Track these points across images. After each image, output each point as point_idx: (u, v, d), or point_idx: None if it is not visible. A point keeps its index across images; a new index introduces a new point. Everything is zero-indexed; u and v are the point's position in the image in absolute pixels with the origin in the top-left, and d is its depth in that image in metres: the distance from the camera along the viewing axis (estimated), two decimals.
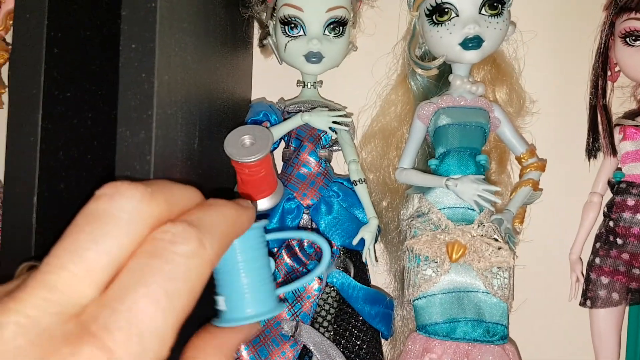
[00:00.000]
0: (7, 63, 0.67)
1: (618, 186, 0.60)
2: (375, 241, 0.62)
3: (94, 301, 0.23)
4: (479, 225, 0.55)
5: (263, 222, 0.33)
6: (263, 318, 0.33)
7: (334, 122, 0.62)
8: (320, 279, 0.60)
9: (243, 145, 0.56)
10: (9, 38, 0.68)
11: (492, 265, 0.54)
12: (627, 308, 0.61)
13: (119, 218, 0.24)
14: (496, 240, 0.54)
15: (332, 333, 0.60)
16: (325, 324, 0.60)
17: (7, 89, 0.67)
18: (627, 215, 0.58)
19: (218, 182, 0.60)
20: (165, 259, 0.24)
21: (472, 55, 0.57)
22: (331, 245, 0.61)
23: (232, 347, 0.31)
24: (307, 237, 0.38)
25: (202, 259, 0.25)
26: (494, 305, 0.55)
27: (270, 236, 0.35)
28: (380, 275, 0.66)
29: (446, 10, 0.56)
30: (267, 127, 0.61)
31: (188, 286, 0.24)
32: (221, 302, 0.32)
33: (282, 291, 0.35)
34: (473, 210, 0.56)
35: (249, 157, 0.55)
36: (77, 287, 0.23)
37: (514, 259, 0.55)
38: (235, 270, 0.32)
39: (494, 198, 0.55)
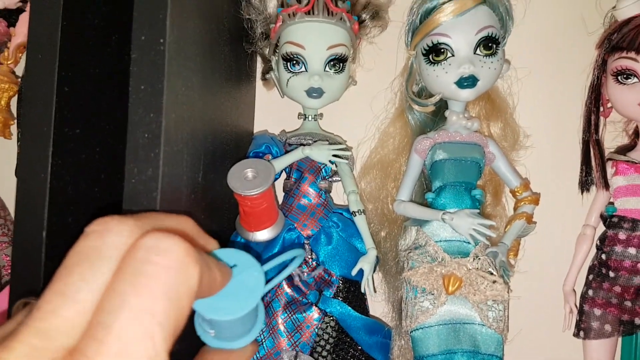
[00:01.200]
0: (16, 95, 0.69)
1: (610, 220, 0.61)
2: (374, 271, 0.64)
3: (83, 333, 0.23)
4: (474, 259, 0.56)
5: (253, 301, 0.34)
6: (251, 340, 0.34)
7: (334, 156, 0.63)
8: (319, 308, 0.61)
9: (245, 179, 0.58)
10: (18, 71, 0.70)
11: (487, 299, 0.55)
12: (620, 339, 0.63)
13: (109, 256, 0.24)
14: (491, 273, 0.56)
15: None
16: (325, 353, 0.62)
17: (15, 121, 0.69)
18: (618, 248, 0.60)
19: (221, 213, 0.62)
20: (151, 275, 0.23)
21: (467, 94, 0.59)
22: (330, 275, 0.63)
23: None
24: (283, 259, 0.39)
25: (188, 273, 0.24)
26: (489, 336, 0.56)
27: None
28: (378, 305, 0.67)
29: (442, 50, 0.58)
30: (268, 160, 0.62)
31: (179, 303, 0.24)
32: (208, 330, 0.33)
33: (267, 288, 0.35)
34: (469, 243, 0.57)
35: (251, 190, 0.57)
36: (69, 331, 0.23)
37: (508, 292, 0.56)
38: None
39: (489, 232, 0.57)
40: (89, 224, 0.54)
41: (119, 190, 0.48)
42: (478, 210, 0.58)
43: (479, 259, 0.56)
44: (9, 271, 0.57)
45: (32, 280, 0.48)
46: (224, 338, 0.33)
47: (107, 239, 0.25)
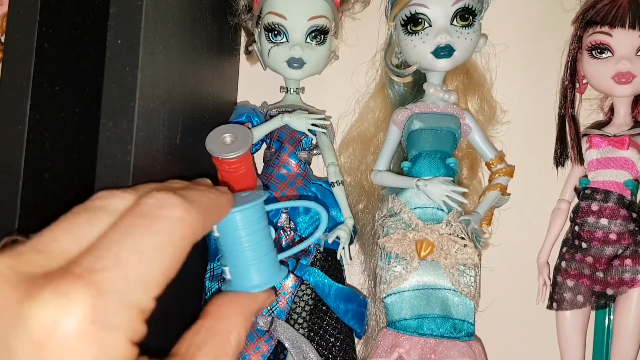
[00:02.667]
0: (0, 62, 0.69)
1: (583, 192, 0.62)
2: (351, 242, 0.64)
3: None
4: (447, 225, 0.57)
5: (263, 197, 0.36)
6: (268, 286, 0.35)
7: (313, 125, 0.64)
8: (296, 275, 0.62)
9: (224, 143, 0.58)
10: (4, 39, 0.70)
11: (457, 262, 0.56)
12: (593, 313, 0.63)
13: (112, 210, 0.26)
14: (462, 238, 0.56)
15: (306, 330, 0.62)
16: (300, 320, 0.62)
17: None
18: (591, 220, 0.60)
19: (199, 177, 0.62)
20: (152, 219, 0.25)
21: (444, 64, 0.60)
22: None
23: (251, 310, 0.33)
24: (305, 204, 0.41)
25: (186, 224, 0.26)
26: (461, 302, 0.57)
27: (270, 207, 0.37)
28: (355, 277, 0.68)
29: (420, 20, 0.60)
30: (248, 128, 0.63)
31: (172, 246, 0.25)
32: (227, 272, 0.35)
33: (283, 256, 0.37)
34: (442, 210, 0.58)
35: (229, 154, 0.57)
36: (67, 257, 0.24)
37: (479, 257, 0.57)
38: (239, 243, 0.34)
39: (462, 199, 0.57)
40: (65, 181, 0.55)
41: (96, 152, 0.49)
42: (452, 179, 0.59)
43: (452, 225, 0.57)
44: None
45: (7, 229, 0.48)
46: (238, 281, 0.34)
47: (111, 201, 0.27)
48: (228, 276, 0.35)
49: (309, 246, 0.64)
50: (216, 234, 0.34)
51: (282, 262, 0.38)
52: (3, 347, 0.21)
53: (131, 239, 0.24)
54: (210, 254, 0.63)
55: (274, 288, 0.63)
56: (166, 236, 0.25)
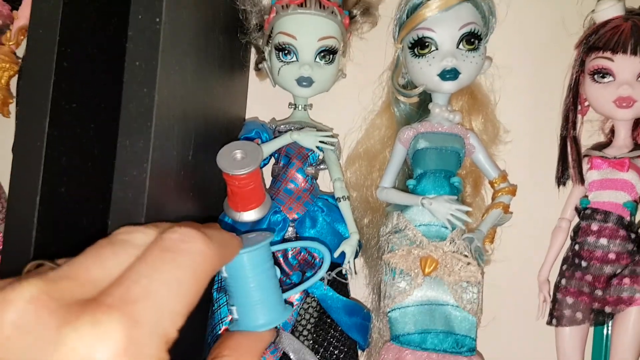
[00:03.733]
0: (17, 75, 0.71)
1: (584, 212, 0.64)
2: (356, 256, 0.66)
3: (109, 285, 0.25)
4: (451, 242, 0.59)
5: (269, 238, 0.37)
6: (273, 325, 0.36)
7: (321, 142, 0.66)
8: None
9: (234, 159, 0.60)
10: (19, 52, 0.72)
11: (461, 280, 0.58)
12: (591, 329, 0.65)
13: (137, 244, 0.27)
14: (466, 256, 0.58)
15: (311, 342, 0.63)
16: (305, 332, 0.63)
17: (15, 100, 0.71)
18: (591, 239, 0.62)
19: (210, 192, 0.64)
20: (176, 252, 0.26)
21: (449, 86, 0.62)
22: (313, 257, 0.65)
23: (260, 350, 0.34)
24: (309, 245, 0.43)
25: (207, 258, 0.27)
26: (463, 318, 0.58)
27: (275, 247, 0.39)
28: (360, 290, 0.69)
29: (427, 44, 0.61)
30: (258, 144, 0.65)
31: (195, 278, 0.26)
32: (234, 312, 0.36)
33: (287, 295, 0.39)
34: (446, 228, 0.60)
35: (239, 170, 0.59)
36: (96, 286, 0.25)
37: (482, 274, 0.59)
38: (246, 284, 0.35)
39: (466, 217, 0.59)
40: (80, 195, 0.56)
41: (111, 167, 0.50)
42: (457, 197, 0.61)
43: (455, 242, 0.59)
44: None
45: (24, 243, 0.50)
46: (244, 320, 0.36)
47: (135, 235, 0.28)
48: (235, 315, 0.36)
49: (315, 259, 0.65)
50: (224, 274, 0.36)
51: (286, 301, 0.39)
52: None
53: (158, 272, 0.25)
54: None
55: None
56: (190, 269, 0.26)
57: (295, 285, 0.42)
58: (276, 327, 0.38)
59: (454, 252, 0.58)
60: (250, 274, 0.35)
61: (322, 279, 0.64)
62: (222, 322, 0.62)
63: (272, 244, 0.38)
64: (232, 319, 0.37)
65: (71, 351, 0.22)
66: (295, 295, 0.63)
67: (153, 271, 0.25)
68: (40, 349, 0.22)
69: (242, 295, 0.36)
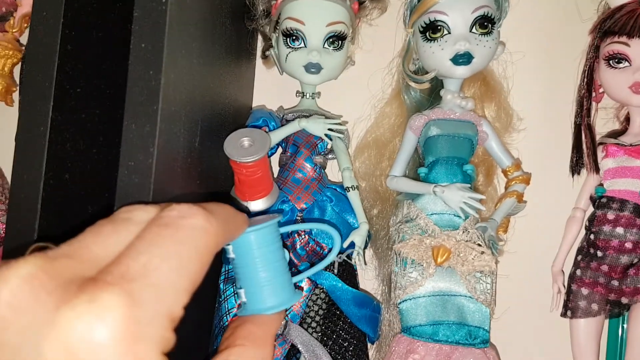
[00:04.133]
0: (20, 63, 0.70)
1: (599, 201, 0.62)
2: (366, 247, 0.65)
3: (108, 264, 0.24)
4: (463, 231, 0.57)
5: (277, 218, 0.36)
6: (282, 308, 0.34)
7: (330, 130, 0.64)
8: (310, 279, 0.62)
9: (242, 147, 0.59)
10: (23, 40, 0.71)
11: (474, 269, 0.56)
12: (607, 321, 0.63)
13: (137, 221, 0.27)
14: (479, 245, 0.56)
15: (319, 334, 0.62)
16: (314, 324, 0.62)
17: (18, 88, 0.70)
18: (607, 228, 0.60)
19: (217, 180, 0.62)
20: (175, 228, 0.25)
21: (462, 71, 0.60)
22: (322, 248, 0.64)
23: (272, 335, 0.32)
24: (319, 227, 0.41)
25: (209, 233, 0.26)
26: (476, 309, 0.57)
27: (284, 229, 0.37)
28: (369, 282, 0.68)
29: (439, 27, 0.60)
30: (265, 131, 0.63)
31: (197, 254, 0.25)
32: (242, 295, 0.35)
33: (297, 279, 0.38)
34: (459, 217, 0.58)
35: (246, 157, 0.58)
36: (97, 263, 0.24)
37: (496, 264, 0.57)
38: (253, 264, 0.34)
39: (479, 205, 0.57)
40: (85, 182, 0.55)
41: (116, 153, 0.49)
42: (469, 185, 0.59)
43: (468, 231, 0.57)
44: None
45: (27, 228, 0.49)
46: (253, 303, 0.34)
47: (135, 213, 0.27)
48: (244, 299, 0.35)
49: (323, 250, 0.64)
50: (231, 255, 0.35)
51: (296, 286, 0.38)
52: (34, 352, 0.21)
53: (158, 249, 0.24)
54: (225, 256, 0.63)
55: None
56: (190, 244, 0.25)
57: (305, 270, 0.40)
58: (285, 311, 0.36)
59: (467, 241, 0.57)
60: (258, 254, 0.34)
61: (331, 264, 0.63)
62: (229, 314, 0.61)
63: (281, 225, 0.37)
64: (240, 303, 0.35)
65: (69, 331, 0.21)
66: (304, 287, 0.62)
67: (152, 248, 0.24)
68: (36, 329, 0.21)
69: (249, 276, 0.34)
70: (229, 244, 0.34)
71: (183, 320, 0.54)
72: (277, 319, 0.34)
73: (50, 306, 0.21)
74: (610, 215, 0.61)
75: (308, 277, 0.62)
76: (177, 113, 0.51)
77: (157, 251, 0.24)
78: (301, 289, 0.62)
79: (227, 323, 0.61)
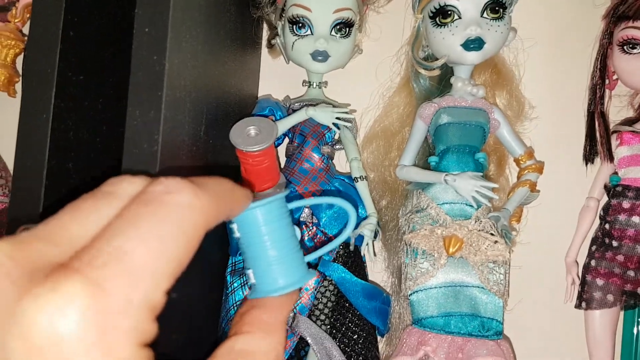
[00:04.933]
0: (22, 54, 0.69)
1: (614, 190, 0.61)
2: (375, 238, 0.63)
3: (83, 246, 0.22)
4: (476, 221, 0.56)
5: (284, 192, 0.33)
6: (294, 287, 0.32)
7: (337, 119, 0.63)
8: (319, 271, 0.61)
9: (248, 136, 0.57)
10: (25, 30, 0.70)
11: (487, 259, 0.55)
12: (622, 313, 0.62)
13: (120, 195, 0.24)
14: (492, 235, 0.55)
15: (328, 326, 0.61)
16: (323, 317, 0.61)
17: (20, 78, 0.69)
18: (622, 217, 0.59)
19: (222, 171, 0.61)
20: (158, 205, 0.23)
21: (474, 56, 0.59)
22: (330, 239, 0.62)
23: (281, 319, 0.30)
24: (332, 201, 0.38)
25: (196, 210, 0.24)
26: (489, 300, 0.56)
27: (293, 205, 0.34)
28: (378, 274, 0.67)
29: (449, 12, 0.58)
30: (272, 120, 0.62)
31: (181, 234, 0.23)
32: (251, 276, 0.32)
33: (309, 258, 0.35)
34: (471, 206, 0.57)
35: (253, 146, 0.57)
36: (73, 244, 0.22)
37: (509, 253, 0.56)
38: (261, 242, 0.32)
39: (492, 194, 0.56)
40: (88, 171, 0.54)
41: (119, 143, 0.48)
42: (481, 174, 0.58)
43: (481, 221, 0.56)
44: None
45: (30, 218, 0.48)
46: (263, 284, 0.32)
47: (120, 186, 0.25)
48: (253, 280, 0.32)
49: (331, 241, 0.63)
50: (237, 234, 0.32)
51: (310, 265, 0.36)
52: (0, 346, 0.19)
53: (136, 229, 0.22)
54: (232, 248, 0.62)
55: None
56: (174, 223, 0.23)
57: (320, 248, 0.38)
58: (299, 292, 0.34)
59: (479, 230, 0.55)
60: (265, 230, 0.31)
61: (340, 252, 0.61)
62: (236, 306, 0.60)
63: (290, 200, 0.35)
64: (250, 286, 0.33)
65: (32, 324, 0.19)
66: (312, 279, 0.61)
67: (130, 228, 0.22)
68: (0, 321, 0.19)
69: (257, 255, 0.32)
70: (232, 222, 0.32)
71: (190, 314, 0.53)
72: (287, 301, 0.31)
73: (13, 296, 0.19)
74: (626, 204, 0.59)
75: (317, 270, 0.61)
76: (181, 100, 0.50)
77: (134, 232, 0.22)
78: (310, 280, 0.60)
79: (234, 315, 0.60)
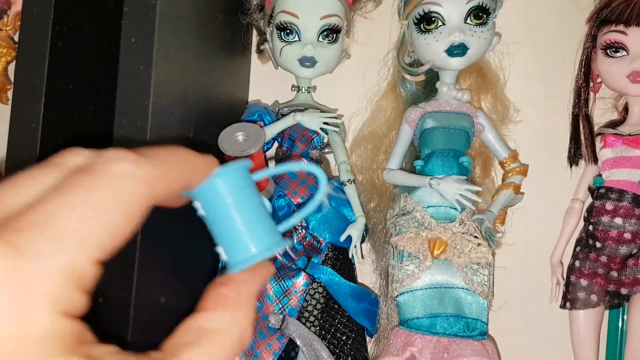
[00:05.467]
0: (14, 61, 0.70)
1: (598, 192, 0.62)
2: (363, 241, 0.64)
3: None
4: (460, 223, 0.57)
5: (247, 163, 0.31)
6: (268, 254, 0.30)
7: (325, 124, 0.64)
8: (307, 274, 0.61)
9: (236, 141, 0.58)
10: (17, 38, 0.71)
11: (471, 261, 0.56)
12: (606, 313, 0.63)
13: (64, 165, 0.24)
14: (476, 237, 0.56)
15: (317, 328, 0.62)
16: (312, 319, 0.62)
17: (12, 86, 0.70)
18: (605, 219, 0.60)
19: None
20: (94, 174, 0.22)
21: (457, 62, 0.60)
22: (319, 242, 0.63)
23: (248, 293, 0.28)
24: (298, 167, 0.35)
25: (137, 179, 0.23)
26: (474, 301, 0.57)
27: (258, 175, 0.32)
28: (367, 276, 0.68)
29: (433, 19, 0.59)
30: (260, 126, 0.63)
31: (118, 202, 0.22)
32: (222, 252, 0.30)
33: (285, 228, 0.32)
34: (455, 209, 0.58)
35: (241, 152, 0.58)
36: (9, 215, 0.22)
37: (493, 255, 0.57)
38: (226, 213, 0.29)
39: (475, 197, 0.57)
40: None
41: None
42: (466, 177, 0.59)
43: (465, 223, 0.57)
44: None
45: None
46: (235, 258, 0.30)
47: (67, 158, 0.25)
48: (224, 257, 0.30)
49: (321, 244, 0.64)
50: (201, 211, 0.30)
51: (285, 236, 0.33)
52: None
53: (67, 196, 0.21)
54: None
55: (286, 285, 0.63)
56: (109, 191, 0.22)
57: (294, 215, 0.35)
58: (271, 263, 0.31)
59: (463, 233, 0.56)
60: (230, 200, 0.29)
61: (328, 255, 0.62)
62: None
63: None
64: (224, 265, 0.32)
65: None
66: (302, 281, 0.61)
67: (62, 195, 0.21)
68: None
69: (224, 228, 0.29)
70: (194, 199, 0.29)
71: (190, 295, 0.53)
72: (255, 275, 0.29)
73: None
74: (609, 206, 0.60)
75: (305, 272, 0.61)
76: (169, 108, 0.51)
77: (65, 199, 0.21)
78: (299, 283, 0.61)
79: None
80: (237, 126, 0.59)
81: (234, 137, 0.59)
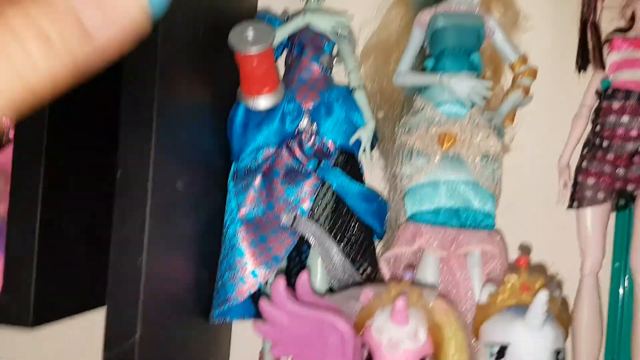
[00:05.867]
0: None
1: (605, 93, 0.62)
2: (372, 147, 0.65)
3: None
4: (470, 118, 0.57)
5: None
6: None
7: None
8: (317, 176, 0.62)
9: (247, 39, 0.59)
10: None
11: (480, 152, 0.56)
12: (613, 215, 0.64)
13: None
14: (486, 130, 0.56)
15: (327, 227, 0.62)
16: (322, 219, 0.62)
17: None
18: (612, 118, 0.61)
19: (222, 86, 0.63)
20: None
21: None
22: (329, 146, 0.64)
23: None
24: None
25: None
26: (482, 194, 0.57)
27: None
28: (376, 185, 0.68)
29: None
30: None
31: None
32: None
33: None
34: (466, 106, 0.58)
35: (251, 48, 0.58)
36: None
37: (501, 150, 0.57)
38: None
39: (486, 92, 0.57)
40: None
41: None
42: (476, 74, 0.59)
43: (475, 119, 0.57)
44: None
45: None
46: None
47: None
48: None
49: (330, 149, 0.63)
50: None
51: None
52: None
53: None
54: (234, 154, 0.64)
55: (297, 187, 0.63)
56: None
57: None
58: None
59: (473, 126, 0.57)
60: None
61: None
62: (233, 212, 0.62)
63: None
64: None
65: None
66: (312, 182, 0.62)
67: None
68: None
69: None
70: None
71: (196, 212, 0.53)
72: None
73: None
74: (616, 105, 0.61)
75: (316, 174, 0.62)
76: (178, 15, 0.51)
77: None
78: (310, 184, 0.61)
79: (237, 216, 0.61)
80: (247, 23, 0.59)
81: (244, 34, 0.59)
